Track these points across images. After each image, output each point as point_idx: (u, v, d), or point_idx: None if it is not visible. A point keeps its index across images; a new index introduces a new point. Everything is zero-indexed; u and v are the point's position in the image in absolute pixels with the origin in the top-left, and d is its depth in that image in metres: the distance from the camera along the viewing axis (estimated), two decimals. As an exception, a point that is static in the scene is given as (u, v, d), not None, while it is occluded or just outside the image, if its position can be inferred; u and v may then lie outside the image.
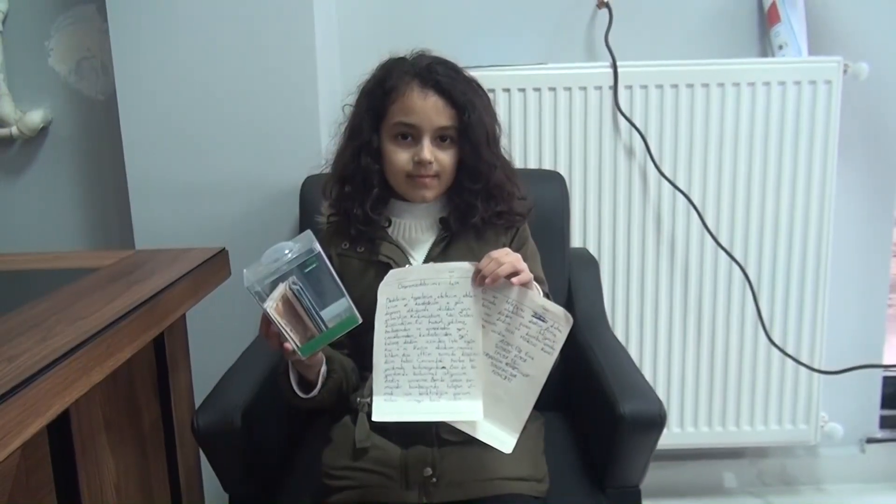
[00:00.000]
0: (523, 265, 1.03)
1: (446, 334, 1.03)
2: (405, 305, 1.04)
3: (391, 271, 1.06)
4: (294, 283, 0.94)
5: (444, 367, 1.03)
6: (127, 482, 1.11)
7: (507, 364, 1.03)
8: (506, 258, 1.01)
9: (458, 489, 1.04)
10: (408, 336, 1.04)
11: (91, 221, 1.85)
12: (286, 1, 1.53)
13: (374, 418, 1.02)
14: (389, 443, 1.07)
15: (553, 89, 1.66)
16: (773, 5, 1.71)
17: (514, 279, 1.00)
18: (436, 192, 1.15)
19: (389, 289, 1.05)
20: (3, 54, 1.74)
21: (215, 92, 1.57)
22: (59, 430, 0.91)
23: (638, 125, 1.67)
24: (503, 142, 1.21)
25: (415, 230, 1.18)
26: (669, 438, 1.80)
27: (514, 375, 1.03)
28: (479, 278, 1.02)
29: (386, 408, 1.03)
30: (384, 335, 1.04)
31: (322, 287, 0.95)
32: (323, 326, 0.96)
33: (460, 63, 1.16)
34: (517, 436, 1.03)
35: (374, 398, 1.03)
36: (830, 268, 1.74)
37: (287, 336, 0.94)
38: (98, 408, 1.02)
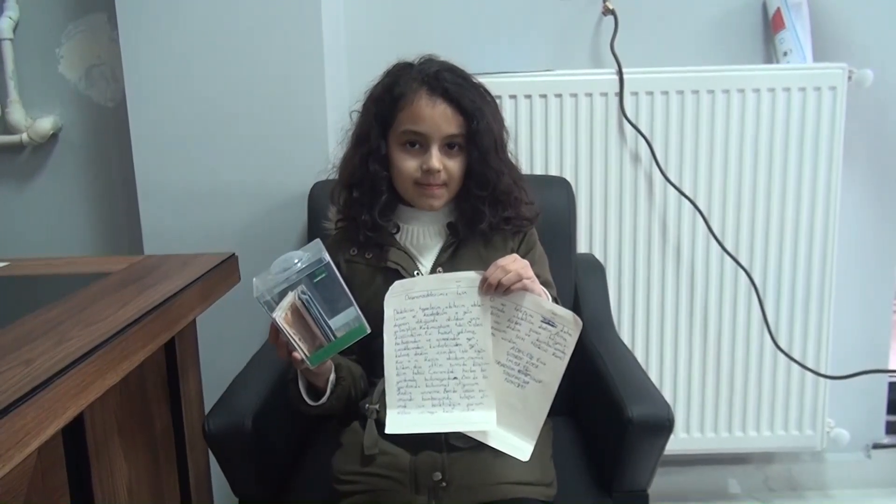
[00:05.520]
0: (530, 272, 1.04)
1: (456, 344, 1.04)
2: (413, 317, 1.05)
3: (396, 282, 1.07)
4: (303, 293, 0.94)
5: (455, 378, 1.03)
6: (139, 485, 1.11)
7: (519, 371, 1.03)
8: (512, 266, 1.02)
9: (468, 493, 1.04)
10: (418, 348, 1.04)
11: (100, 227, 1.86)
12: (294, 7, 1.55)
13: (387, 431, 1.03)
14: (398, 448, 1.07)
15: (559, 96, 1.67)
16: (778, 12, 1.72)
17: (518, 285, 1.01)
18: (444, 201, 1.16)
19: (396, 300, 1.05)
20: (13, 62, 1.76)
21: (224, 98, 1.58)
22: (74, 433, 0.92)
23: (644, 131, 1.68)
24: (510, 147, 1.21)
25: (423, 236, 1.19)
26: (676, 444, 1.80)
27: (528, 382, 1.03)
28: (485, 287, 1.03)
29: (400, 420, 1.03)
30: (394, 347, 1.04)
31: (331, 296, 0.96)
32: (332, 336, 0.96)
33: (466, 70, 1.17)
34: (534, 443, 1.04)
35: (388, 411, 1.04)
36: (836, 273, 1.75)
37: (296, 345, 0.94)
38: (111, 412, 1.03)
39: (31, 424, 0.69)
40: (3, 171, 1.84)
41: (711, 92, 1.67)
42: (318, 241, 1.01)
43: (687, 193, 1.71)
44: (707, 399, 1.80)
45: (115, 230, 1.86)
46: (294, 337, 0.94)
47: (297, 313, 0.95)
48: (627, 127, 1.69)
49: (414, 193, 1.15)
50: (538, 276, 1.08)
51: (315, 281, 0.95)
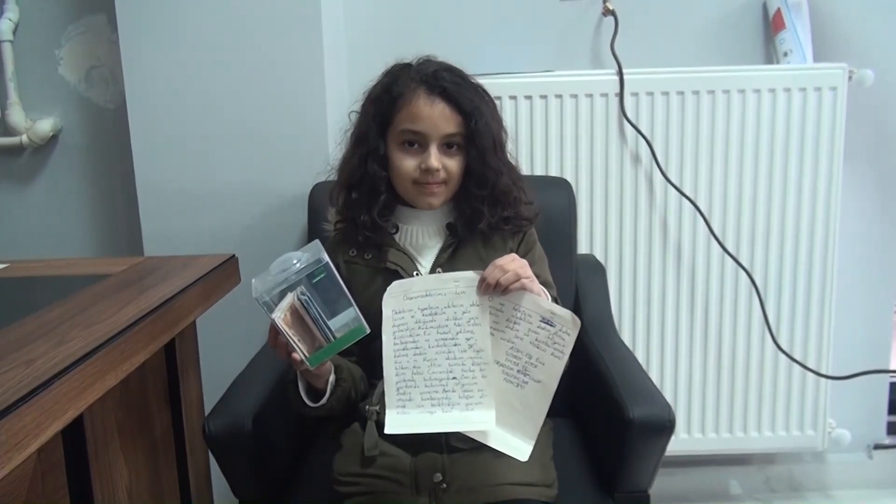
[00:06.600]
0: (528, 272, 1.03)
1: (455, 344, 1.03)
2: (412, 317, 1.05)
3: (395, 282, 1.07)
4: (302, 294, 0.94)
5: (454, 378, 1.03)
6: (139, 487, 1.11)
7: (518, 371, 1.03)
8: (510, 265, 1.02)
9: (469, 495, 1.04)
10: (417, 348, 1.04)
11: (100, 229, 1.86)
12: (294, 9, 1.55)
13: (387, 431, 1.03)
14: (399, 449, 1.07)
15: (559, 96, 1.67)
16: (778, 12, 1.72)
17: (516, 284, 1.01)
18: (442, 199, 1.15)
19: (395, 300, 1.05)
20: (13, 63, 1.76)
21: (224, 100, 1.58)
22: (73, 435, 0.92)
23: (644, 132, 1.68)
24: (509, 147, 1.21)
25: (422, 236, 1.19)
26: (676, 444, 1.80)
27: (527, 382, 1.03)
28: (484, 287, 1.03)
29: (399, 420, 1.03)
30: (393, 347, 1.04)
31: (330, 297, 0.95)
32: (331, 336, 0.96)
33: (467, 71, 1.17)
34: (532, 443, 1.03)
35: (388, 412, 1.04)
36: (837, 273, 1.74)
37: (295, 346, 0.94)
38: (111, 413, 1.03)
39: (30, 426, 0.68)
40: (2, 172, 1.84)
41: (712, 92, 1.67)
42: (317, 241, 1.00)
43: (687, 194, 1.70)
44: (708, 400, 1.80)
45: (115, 232, 1.86)
46: (293, 338, 0.94)
47: (296, 314, 0.95)
48: (628, 127, 1.69)
49: (413, 192, 1.15)
50: (537, 276, 1.07)
51: (314, 281, 0.95)
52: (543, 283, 1.11)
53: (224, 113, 1.59)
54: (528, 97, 1.67)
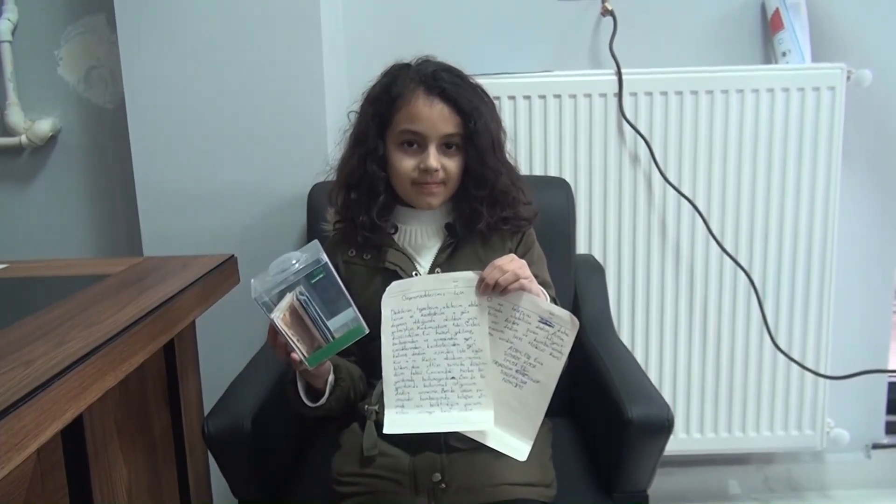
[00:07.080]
0: (527, 272, 1.04)
1: (454, 344, 1.04)
2: (411, 317, 1.05)
3: (393, 283, 1.07)
4: (301, 294, 0.94)
5: (453, 378, 1.03)
6: (138, 487, 1.11)
7: (517, 371, 1.03)
8: (509, 266, 1.02)
9: (467, 495, 1.04)
10: (416, 348, 1.04)
11: (100, 229, 1.86)
12: (293, 9, 1.55)
13: (385, 431, 1.03)
14: (398, 449, 1.07)
15: (558, 97, 1.67)
16: (777, 12, 1.72)
17: (515, 285, 1.01)
18: (441, 199, 1.16)
19: (393, 300, 1.06)
20: (13, 63, 1.76)
21: (223, 100, 1.58)
22: (73, 435, 0.92)
23: (643, 132, 1.68)
24: (508, 147, 1.21)
25: (421, 236, 1.19)
26: (675, 444, 1.80)
27: (525, 382, 1.03)
28: (483, 287, 1.03)
29: (398, 420, 1.03)
30: (392, 347, 1.05)
31: (329, 297, 0.96)
32: (330, 337, 0.96)
33: (466, 71, 1.17)
34: (531, 443, 1.04)
35: (386, 411, 1.04)
36: (835, 273, 1.75)
37: (294, 346, 0.94)
38: (110, 413, 1.03)
39: (30, 426, 0.68)
40: (2, 173, 1.84)
41: (710, 92, 1.67)
42: (315, 241, 1.01)
43: (686, 194, 1.70)
44: (707, 399, 1.80)
45: (114, 232, 1.86)
46: (292, 338, 0.94)
47: (295, 314, 0.95)
48: (626, 128, 1.69)
49: (412, 193, 1.15)
50: (536, 277, 1.07)
51: (313, 282, 0.95)
52: (542, 284, 1.11)
53: (223, 113, 1.59)
54: (527, 97, 1.67)
